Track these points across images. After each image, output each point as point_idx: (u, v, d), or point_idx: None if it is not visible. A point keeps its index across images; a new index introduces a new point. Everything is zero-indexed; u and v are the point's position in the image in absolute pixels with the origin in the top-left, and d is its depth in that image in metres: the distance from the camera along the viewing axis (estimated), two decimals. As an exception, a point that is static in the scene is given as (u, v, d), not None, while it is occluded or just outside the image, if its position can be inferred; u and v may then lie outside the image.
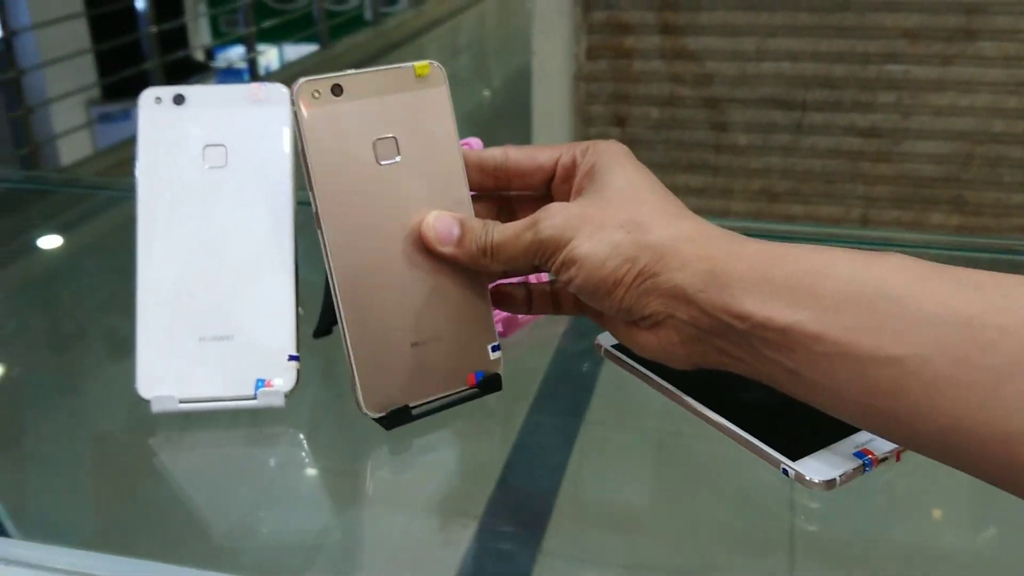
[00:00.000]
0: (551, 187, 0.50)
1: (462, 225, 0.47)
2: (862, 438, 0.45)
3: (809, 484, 0.43)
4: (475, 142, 0.58)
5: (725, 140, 1.82)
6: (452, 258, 0.48)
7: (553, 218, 0.44)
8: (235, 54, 4.43)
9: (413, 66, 0.50)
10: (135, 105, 0.54)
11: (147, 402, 0.50)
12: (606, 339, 0.54)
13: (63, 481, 0.53)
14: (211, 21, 4.71)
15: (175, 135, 0.54)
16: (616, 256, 0.42)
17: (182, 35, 4.08)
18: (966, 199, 1.71)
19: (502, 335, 0.51)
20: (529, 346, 0.59)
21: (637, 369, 0.52)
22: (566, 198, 0.48)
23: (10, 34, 2.16)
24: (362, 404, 0.47)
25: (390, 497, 0.50)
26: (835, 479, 0.43)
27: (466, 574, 0.44)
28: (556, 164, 0.49)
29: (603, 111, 1.87)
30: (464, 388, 0.49)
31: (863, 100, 1.70)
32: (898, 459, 0.44)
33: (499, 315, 0.55)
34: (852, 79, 1.69)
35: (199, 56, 4.47)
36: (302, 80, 0.47)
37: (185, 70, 3.72)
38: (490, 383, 0.50)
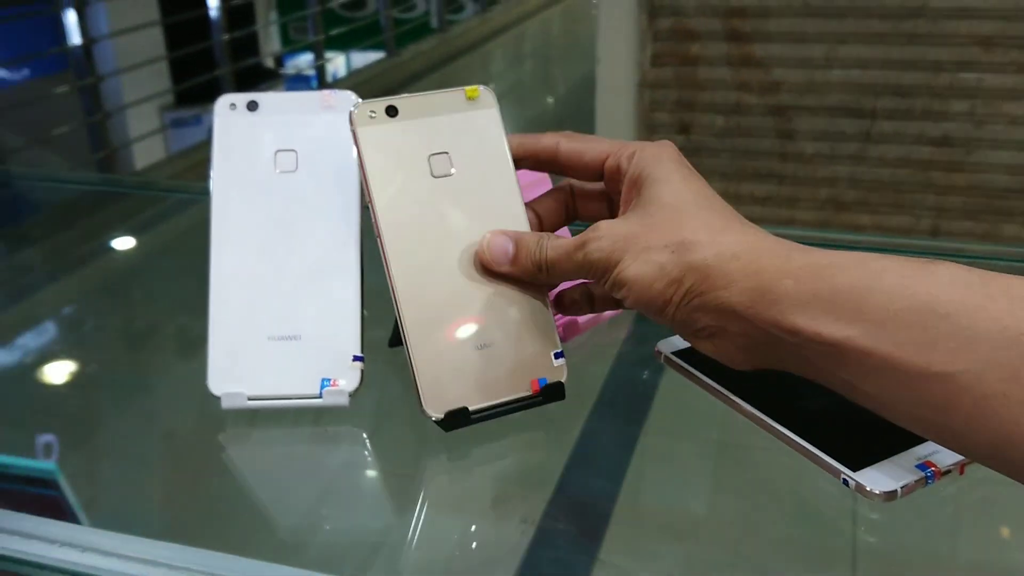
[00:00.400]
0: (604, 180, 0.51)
1: (516, 244, 0.49)
2: (925, 450, 0.44)
3: (869, 495, 0.42)
4: (539, 149, 0.59)
5: (791, 148, 1.80)
6: (510, 275, 0.49)
7: (600, 240, 0.45)
8: (304, 61, 4.50)
9: (464, 90, 0.52)
10: (206, 111, 0.56)
11: (217, 399, 0.52)
12: (666, 346, 0.54)
13: (136, 473, 0.55)
14: (281, 29, 4.81)
15: (248, 140, 0.55)
16: (662, 278, 0.43)
17: (253, 42, 4.16)
18: (1041, 211, 1.67)
19: (562, 340, 0.52)
20: (589, 352, 0.59)
21: (698, 377, 0.52)
22: (619, 194, 0.49)
23: (89, 41, 2.23)
24: (422, 405, 0.48)
25: (449, 500, 0.51)
26: (896, 491, 0.42)
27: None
28: (603, 166, 0.49)
29: (668, 118, 1.86)
30: (527, 394, 0.50)
31: (935, 109, 1.67)
32: (962, 472, 0.44)
33: (559, 320, 0.56)
34: (924, 87, 1.66)
35: (269, 63, 4.56)
36: (359, 103, 0.50)
37: (255, 76, 3.80)
38: (553, 391, 0.50)
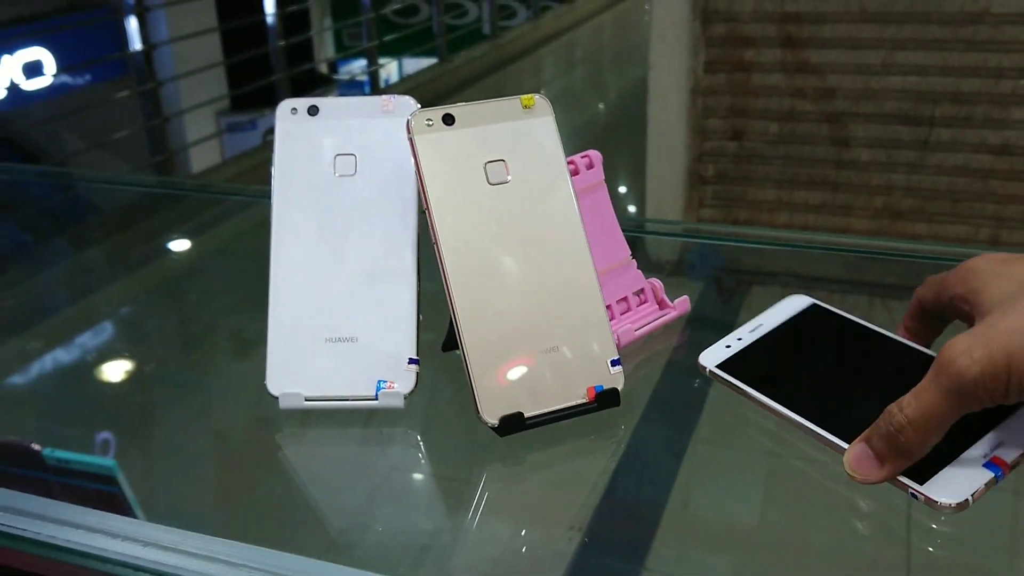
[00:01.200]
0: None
1: (868, 439, 0.43)
2: (988, 445, 0.42)
3: (941, 508, 0.41)
4: (594, 155, 0.59)
5: (847, 156, 1.77)
6: (888, 478, 0.43)
7: (968, 352, 0.40)
8: (357, 67, 4.55)
9: (520, 98, 0.52)
10: (262, 115, 0.57)
11: (275, 398, 0.53)
12: (708, 359, 0.54)
13: (194, 471, 0.56)
14: (335, 35, 4.86)
15: (308, 144, 0.56)
16: None
17: (308, 48, 4.21)
18: (1105, 221, 1.63)
19: (617, 347, 0.52)
20: (641, 358, 0.59)
21: (743, 390, 0.51)
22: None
23: (150, 47, 2.28)
24: (479, 410, 0.48)
25: (502, 505, 0.51)
26: (967, 499, 0.41)
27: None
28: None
29: (720, 125, 1.85)
30: (583, 401, 0.50)
31: (995, 116, 1.63)
32: None
33: (615, 327, 0.56)
34: (984, 94, 1.62)
35: (323, 69, 4.61)
36: (416, 111, 0.51)
37: (310, 82, 3.85)
38: (609, 398, 0.50)
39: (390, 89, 3.44)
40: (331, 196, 0.55)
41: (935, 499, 0.41)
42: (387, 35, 3.63)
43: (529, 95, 0.53)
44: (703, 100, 1.83)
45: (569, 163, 0.55)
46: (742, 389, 0.51)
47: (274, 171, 0.56)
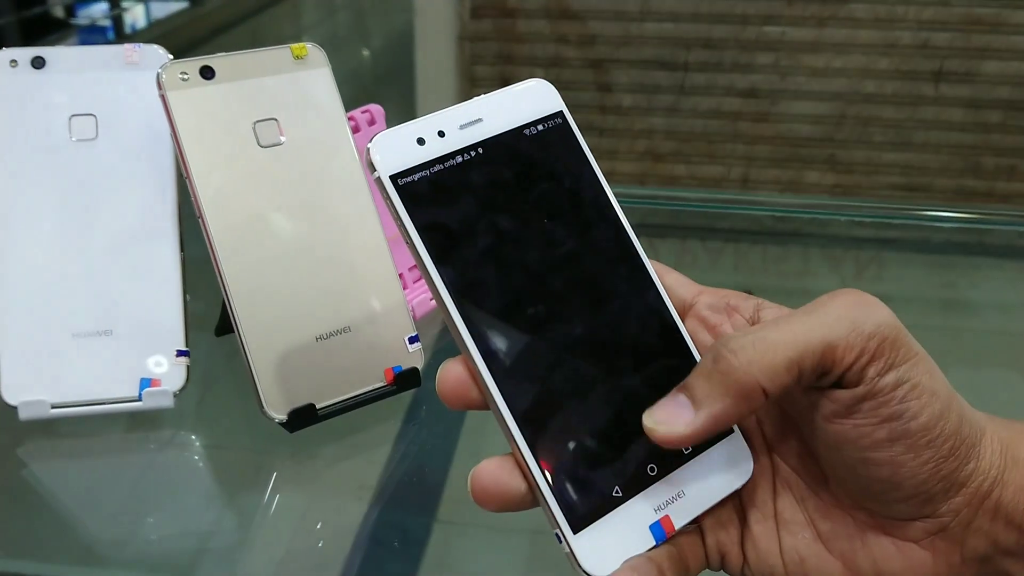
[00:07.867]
0: None
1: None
2: (662, 498, 0.31)
3: (581, 571, 0.29)
4: (376, 110, 0.54)
5: (610, 101, 1.81)
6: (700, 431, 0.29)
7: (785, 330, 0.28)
8: (98, 10, 4.17)
9: (290, 48, 0.47)
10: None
11: (14, 409, 0.45)
12: (387, 156, 0.32)
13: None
14: (66, -26, 4.43)
15: (35, 103, 0.47)
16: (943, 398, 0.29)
17: (35, -11, 3.80)
18: (839, 158, 1.76)
19: (415, 320, 0.48)
20: (441, 329, 0.55)
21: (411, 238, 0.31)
22: None
23: None
24: (262, 405, 0.43)
25: (291, 505, 0.46)
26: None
27: (363, 544, 0.42)
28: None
29: (489, 72, 1.83)
30: (380, 385, 0.46)
31: (742, 61, 1.72)
32: None
33: (411, 299, 0.52)
34: (732, 40, 1.70)
35: (58, 12, 4.18)
36: (167, 62, 0.44)
37: (43, 28, 3.48)
38: (408, 378, 0.46)
39: (138, 35, 3.17)
40: (68, 165, 0.47)
41: (580, 563, 0.29)
42: (126, -25, 3.33)
43: (301, 44, 0.47)
44: (471, 47, 1.81)
45: (348, 119, 0.50)
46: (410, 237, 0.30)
47: (-8, 138, 0.47)
